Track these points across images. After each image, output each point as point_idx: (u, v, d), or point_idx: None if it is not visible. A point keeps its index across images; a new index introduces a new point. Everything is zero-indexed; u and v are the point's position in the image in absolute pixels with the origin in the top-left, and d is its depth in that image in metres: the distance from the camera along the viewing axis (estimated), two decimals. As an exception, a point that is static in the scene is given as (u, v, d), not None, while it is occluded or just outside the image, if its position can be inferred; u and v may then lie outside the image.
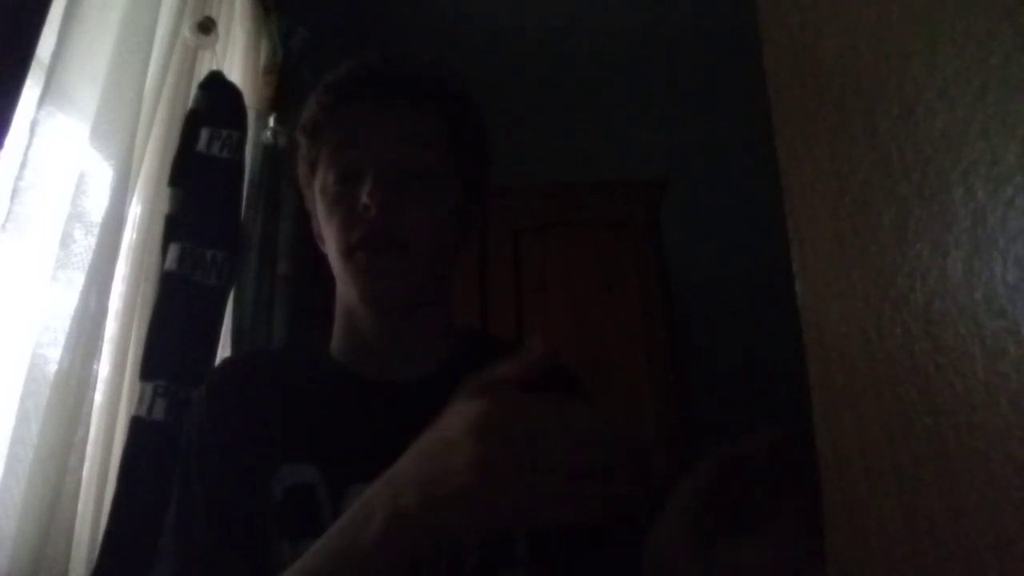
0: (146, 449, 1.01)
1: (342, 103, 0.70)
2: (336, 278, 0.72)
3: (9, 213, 0.81)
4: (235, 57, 1.44)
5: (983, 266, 0.23)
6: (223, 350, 1.25)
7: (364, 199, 0.65)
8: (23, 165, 0.83)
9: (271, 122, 1.45)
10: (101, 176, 0.96)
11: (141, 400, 1.04)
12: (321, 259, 0.78)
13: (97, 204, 0.95)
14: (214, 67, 1.29)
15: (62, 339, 0.87)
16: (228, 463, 0.66)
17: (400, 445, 0.63)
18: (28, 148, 0.84)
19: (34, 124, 0.85)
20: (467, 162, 0.73)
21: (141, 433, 1.02)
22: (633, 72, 2.37)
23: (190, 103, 1.23)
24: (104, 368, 1.00)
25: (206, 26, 1.23)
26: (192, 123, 1.22)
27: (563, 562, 0.65)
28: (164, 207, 1.17)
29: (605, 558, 0.65)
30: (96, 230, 0.94)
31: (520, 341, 0.78)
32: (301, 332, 1.38)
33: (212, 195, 1.21)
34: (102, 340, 0.96)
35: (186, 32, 1.20)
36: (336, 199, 0.69)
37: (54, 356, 0.87)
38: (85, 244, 0.92)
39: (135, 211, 1.13)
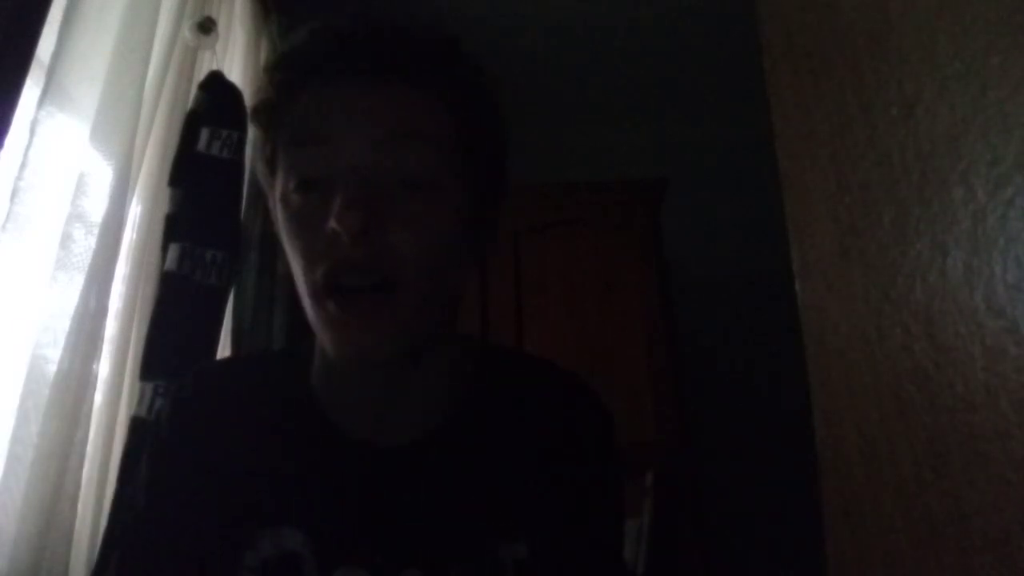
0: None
1: (303, 82, 0.51)
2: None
3: (9, 213, 0.81)
4: (235, 57, 1.44)
5: (983, 266, 0.23)
6: (223, 350, 1.25)
7: (332, 223, 0.46)
8: (23, 165, 0.83)
9: (271, 122, 1.45)
10: (101, 176, 0.96)
11: (141, 400, 1.04)
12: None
13: (97, 204, 0.95)
14: (214, 67, 1.29)
15: (62, 339, 0.87)
16: (191, 516, 0.54)
17: (394, 519, 0.53)
18: (28, 148, 0.84)
19: (34, 124, 0.85)
20: (477, 164, 0.53)
21: (141, 433, 1.02)
22: (634, 72, 2.37)
23: (190, 103, 1.23)
24: (104, 368, 1.00)
25: (206, 26, 1.23)
26: (192, 123, 1.22)
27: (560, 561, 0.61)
28: (164, 207, 1.17)
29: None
30: (96, 230, 0.94)
31: (544, 361, 0.64)
32: (301, 332, 1.38)
33: (212, 195, 1.21)
34: (102, 340, 0.96)
35: (186, 32, 1.20)
36: (298, 215, 0.50)
37: (54, 356, 0.86)
38: (85, 244, 0.92)
39: (135, 211, 1.13)
